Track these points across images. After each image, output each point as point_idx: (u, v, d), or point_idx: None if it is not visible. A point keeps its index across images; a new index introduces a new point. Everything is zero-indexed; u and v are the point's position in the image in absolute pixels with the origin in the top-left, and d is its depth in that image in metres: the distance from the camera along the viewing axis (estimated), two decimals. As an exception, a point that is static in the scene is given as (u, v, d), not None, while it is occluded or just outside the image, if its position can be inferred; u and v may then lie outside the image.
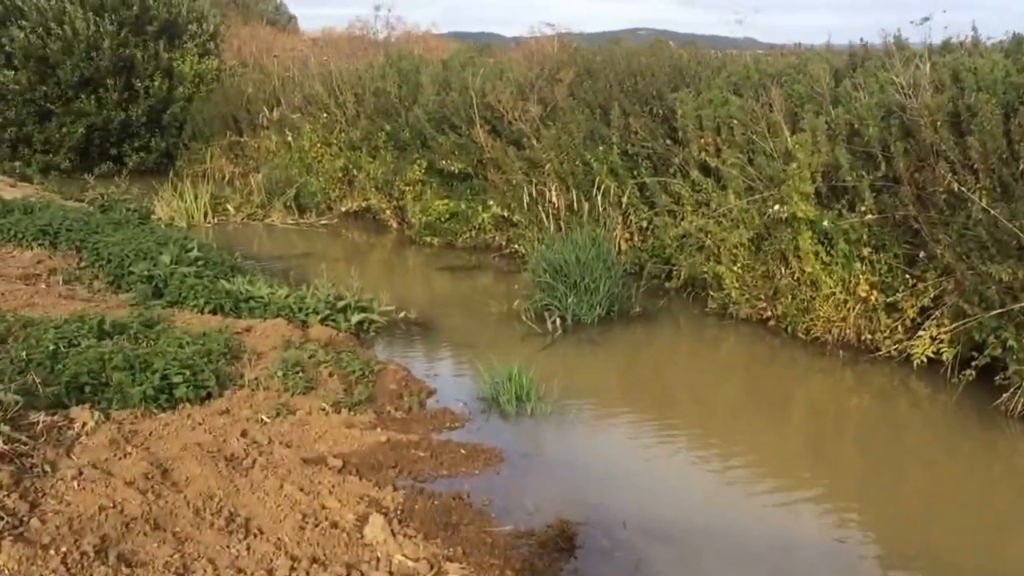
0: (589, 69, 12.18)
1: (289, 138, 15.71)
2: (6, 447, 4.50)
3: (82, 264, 9.33)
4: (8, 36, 17.47)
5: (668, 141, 10.09)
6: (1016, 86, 7.06)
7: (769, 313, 8.58)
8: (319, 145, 14.90)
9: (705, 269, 9.06)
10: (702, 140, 9.56)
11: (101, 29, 18.08)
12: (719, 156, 9.34)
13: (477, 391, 6.78)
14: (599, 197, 10.43)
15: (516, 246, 11.42)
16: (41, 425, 4.86)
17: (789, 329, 8.30)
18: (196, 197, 14.23)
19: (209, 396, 5.93)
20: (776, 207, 8.16)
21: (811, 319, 8.10)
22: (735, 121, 9.12)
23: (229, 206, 14.61)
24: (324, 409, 6.00)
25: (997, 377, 6.46)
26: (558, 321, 8.59)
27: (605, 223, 10.25)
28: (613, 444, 6.21)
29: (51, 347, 6.02)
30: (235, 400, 5.95)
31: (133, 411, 5.47)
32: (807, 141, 8.08)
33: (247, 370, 6.60)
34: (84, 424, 5.07)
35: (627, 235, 10.62)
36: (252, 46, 22.70)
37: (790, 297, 8.26)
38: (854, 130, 7.96)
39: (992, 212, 6.47)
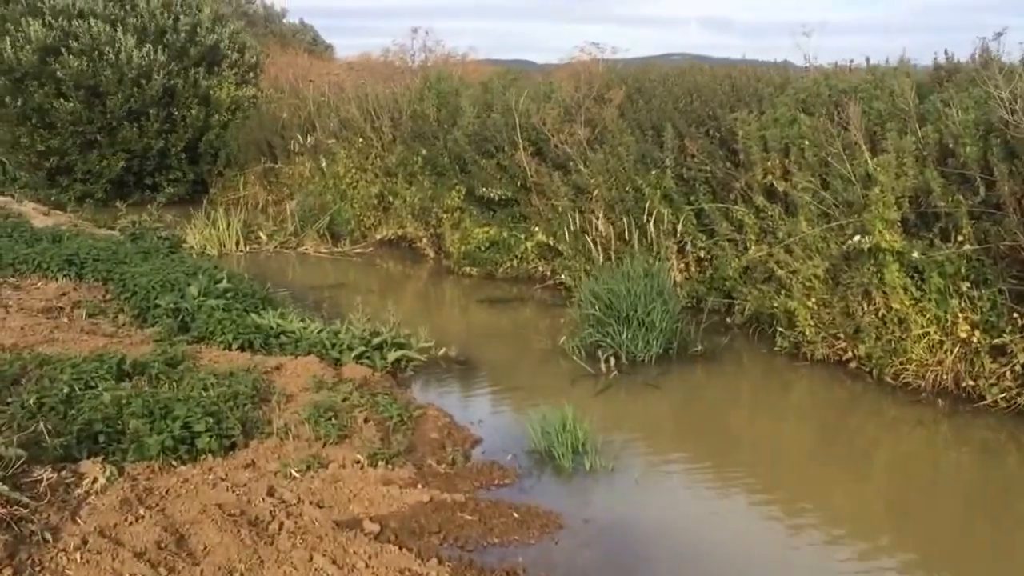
0: (640, 88, 11.51)
1: (323, 164, 15.16)
2: (3, 511, 3.85)
3: (108, 296, 8.80)
4: (60, 63, 17.08)
5: (728, 164, 9.35)
6: None
7: (850, 354, 7.76)
8: (354, 171, 14.32)
9: (775, 304, 8.27)
10: (768, 163, 8.83)
11: (151, 58, 17.70)
12: (787, 180, 8.61)
13: (528, 441, 6.03)
14: (651, 225, 9.68)
15: (561, 277, 10.70)
16: (45, 483, 4.23)
17: (874, 373, 7.48)
18: (228, 225, 13.67)
19: (234, 446, 5.25)
20: (857, 237, 7.39)
21: (901, 362, 7.28)
22: (806, 142, 8.39)
23: (261, 234, 14.05)
24: (359, 462, 5.29)
25: None
26: (612, 361, 7.83)
27: (658, 253, 9.51)
28: (684, 507, 5.39)
29: (65, 390, 5.41)
30: (262, 451, 5.26)
31: (150, 464, 4.81)
32: (891, 163, 7.33)
33: (276, 415, 5.91)
34: (94, 480, 4.42)
35: (682, 266, 9.86)
36: (289, 73, 22.28)
37: (875, 337, 7.45)
38: (946, 150, 7.21)
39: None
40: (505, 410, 7.06)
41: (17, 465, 4.22)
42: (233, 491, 4.58)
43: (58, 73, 17.06)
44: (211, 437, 5.08)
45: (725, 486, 5.73)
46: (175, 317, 7.97)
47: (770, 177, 8.78)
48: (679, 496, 5.53)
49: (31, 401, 5.18)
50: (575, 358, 7.94)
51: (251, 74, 20.33)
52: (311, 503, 4.61)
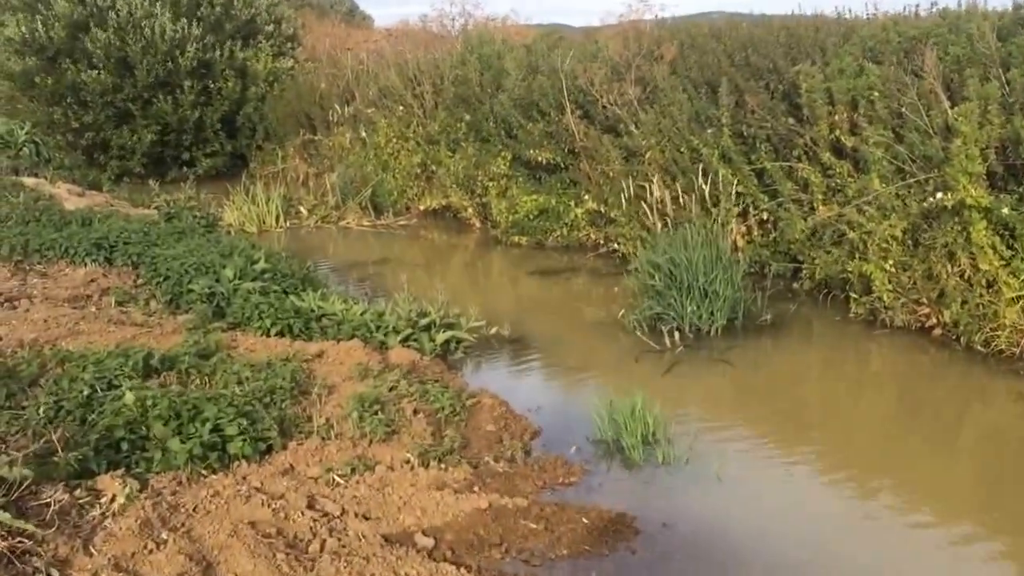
0: (692, 44, 10.87)
1: (363, 134, 14.72)
2: (3, 544, 3.46)
3: (139, 281, 8.38)
4: (91, 38, 16.81)
5: (790, 120, 8.72)
6: None
7: (934, 320, 7.18)
8: (395, 140, 13.85)
9: (848, 268, 7.69)
10: (834, 117, 8.20)
11: (185, 32, 17.36)
12: (856, 134, 7.98)
13: (592, 429, 5.57)
14: (708, 187, 9.07)
15: (615, 245, 10.18)
16: (56, 506, 3.81)
17: (962, 340, 6.90)
18: (268, 200, 13.30)
19: (270, 449, 4.85)
20: (939, 195, 6.77)
21: (992, 328, 6.69)
22: (875, 93, 7.75)
23: (302, 208, 13.66)
24: (409, 462, 4.87)
25: None
26: (676, 334, 7.32)
27: (716, 217, 8.92)
28: (774, 505, 4.85)
29: (86, 391, 5.02)
30: (301, 453, 4.85)
31: (176, 474, 4.40)
32: (973, 112, 6.69)
33: (317, 409, 5.51)
34: (112, 499, 4.02)
35: (743, 229, 9.28)
36: (326, 42, 21.85)
37: (961, 301, 6.85)
38: (1040, 96, 6.55)
39: None
40: (565, 394, 6.59)
41: (23, 488, 3.82)
42: (269, 505, 4.17)
43: (88, 46, 16.79)
44: (244, 441, 4.67)
45: (816, 476, 5.23)
46: (209, 302, 7.60)
47: (837, 132, 8.16)
48: (766, 491, 4.99)
49: (48, 405, 4.81)
50: (636, 332, 7.45)
51: (288, 45, 19.90)
52: (356, 515, 4.20)
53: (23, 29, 16.72)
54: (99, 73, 16.81)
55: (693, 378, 6.77)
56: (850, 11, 9.92)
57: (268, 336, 7.06)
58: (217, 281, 7.98)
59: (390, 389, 5.90)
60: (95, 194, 14.69)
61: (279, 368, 5.99)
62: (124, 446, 4.49)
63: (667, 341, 7.23)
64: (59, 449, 4.22)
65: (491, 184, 11.79)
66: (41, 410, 4.78)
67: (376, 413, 5.41)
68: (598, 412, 5.54)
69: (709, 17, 15.89)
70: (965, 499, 5.00)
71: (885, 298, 7.39)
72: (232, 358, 6.19)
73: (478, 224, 12.45)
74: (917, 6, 9.69)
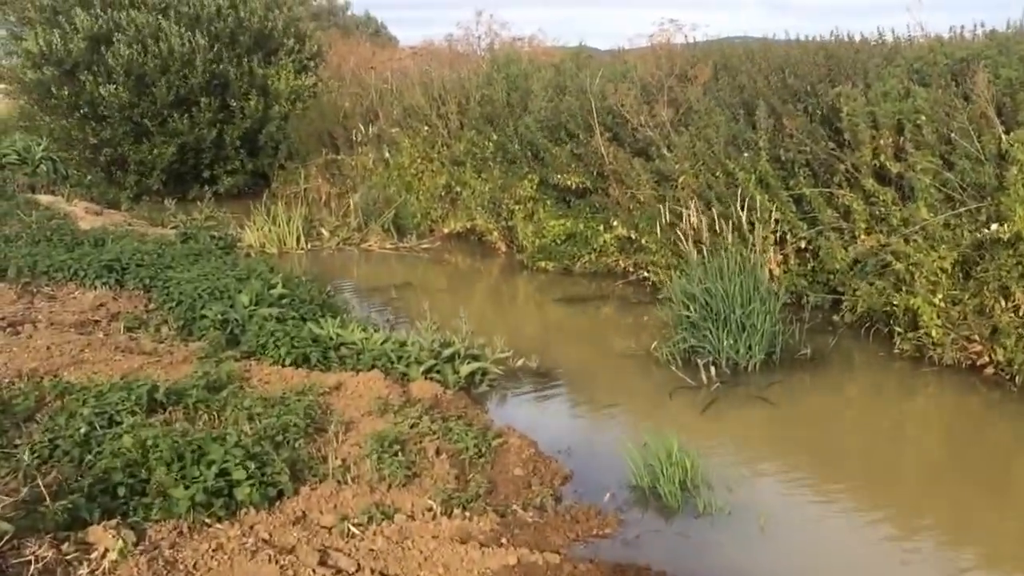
0: (725, 65, 10.54)
1: (387, 155, 14.46)
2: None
3: (150, 306, 8.08)
4: (112, 52, 16.68)
5: (831, 144, 8.36)
6: None
7: (986, 358, 6.79)
8: (419, 161, 13.59)
9: (893, 301, 7.31)
10: (878, 142, 7.84)
11: (193, 45, 17.17)
12: (901, 160, 7.62)
13: (626, 473, 5.21)
14: (743, 213, 8.69)
15: (645, 273, 9.82)
16: (39, 563, 3.48)
17: (1017, 380, 6.49)
18: (289, 221, 13.04)
19: (281, 495, 4.51)
20: (995, 226, 6.39)
21: (1049, 367, 6.30)
22: (923, 117, 7.39)
23: (323, 230, 13.39)
24: (431, 509, 4.53)
25: None
26: (712, 370, 6.96)
27: (754, 245, 8.55)
28: (826, 564, 4.50)
29: (83, 429, 4.71)
30: (315, 499, 4.52)
31: (178, 523, 4.07)
32: (1032, 136, 6.32)
33: (333, 449, 5.19)
34: (104, 553, 3.69)
35: (779, 258, 8.90)
36: (351, 61, 21.67)
37: (1015, 339, 6.46)
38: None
39: None
40: (596, 433, 6.22)
41: (5, 541, 3.49)
42: (276, 560, 3.83)
43: (109, 61, 16.64)
44: (253, 486, 4.34)
45: (865, 529, 4.84)
46: (223, 329, 7.31)
47: (881, 158, 7.80)
48: (812, 545, 4.63)
49: (42, 445, 4.51)
50: (671, 366, 7.09)
51: (311, 62, 19.70)
52: (373, 571, 3.86)
53: (41, 42, 16.59)
54: (117, 88, 16.64)
55: (732, 418, 6.39)
56: (892, 31, 9.52)
57: (284, 366, 6.75)
58: (232, 307, 7.70)
59: (411, 426, 5.58)
60: (113, 213, 14.49)
61: (293, 403, 5.68)
62: (121, 491, 4.17)
63: (703, 376, 6.87)
64: (48, 497, 3.89)
65: (517, 207, 11.49)
66: (34, 450, 4.47)
67: (396, 454, 5.09)
68: (632, 455, 5.19)
69: (731, 42, 15.49)
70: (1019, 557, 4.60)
71: (933, 334, 7.00)
72: (244, 391, 5.89)
73: (503, 248, 12.14)
74: (963, 27, 9.32)
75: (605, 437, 6.07)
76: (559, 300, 9.80)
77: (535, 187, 11.28)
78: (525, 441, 5.51)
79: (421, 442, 5.36)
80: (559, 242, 10.82)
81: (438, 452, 5.26)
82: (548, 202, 11.19)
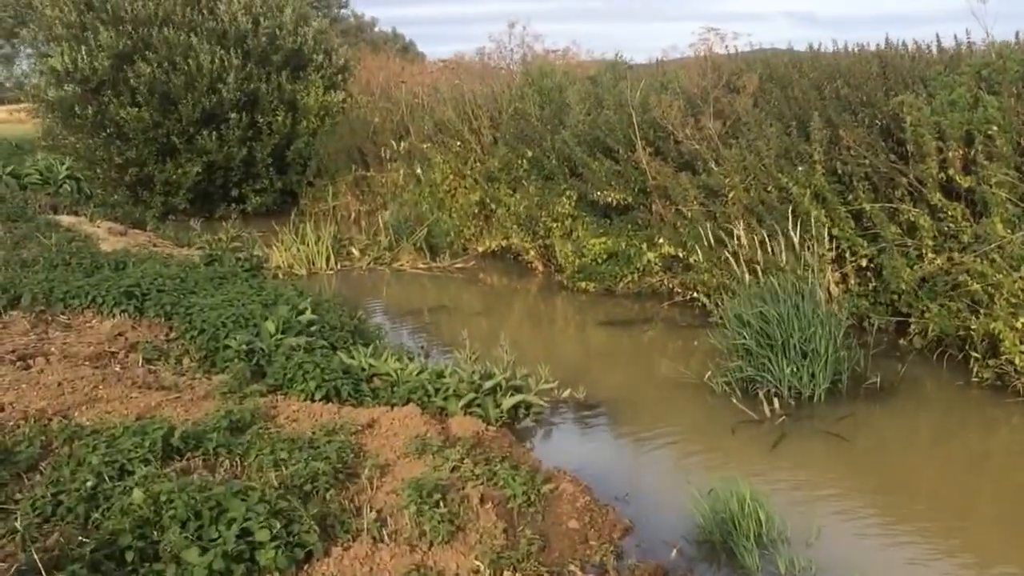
0: (772, 76, 10.01)
1: (418, 171, 14.03)
2: None
3: (171, 335, 7.61)
4: (134, 71, 16.38)
5: (892, 157, 7.81)
6: None
7: (1077, 389, 6.21)
8: (452, 177, 13.14)
9: (971, 324, 6.74)
10: (946, 154, 7.28)
11: (226, 63, 16.86)
12: (971, 173, 7.06)
13: (692, 524, 4.69)
14: (798, 230, 8.11)
15: (693, 293, 9.27)
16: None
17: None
18: (318, 240, 12.62)
19: (309, 557, 4.02)
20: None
21: None
22: (995, 127, 6.84)
23: (354, 249, 12.96)
24: (479, 572, 4.03)
25: None
26: (776, 402, 6.41)
27: (808, 264, 7.99)
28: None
29: (91, 481, 4.25)
30: (347, 562, 4.03)
31: (195, 595, 3.58)
32: None
33: (367, 498, 4.70)
34: (110, 635, 3.21)
35: (838, 277, 8.33)
36: (380, 76, 21.32)
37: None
38: None
39: None
40: (655, 476, 5.67)
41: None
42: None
43: (132, 81, 16.35)
44: (278, 549, 3.84)
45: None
46: (248, 360, 6.85)
47: (950, 171, 7.25)
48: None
49: (45, 500, 4.05)
50: (730, 397, 6.56)
51: (340, 77, 19.35)
52: (417, 653, 3.35)
53: (67, 59, 16.30)
54: (140, 110, 16.33)
55: (802, 456, 5.85)
56: (955, 37, 8.93)
57: (313, 401, 6.28)
58: (257, 335, 7.25)
59: (452, 470, 5.08)
60: (138, 233, 14.11)
61: (323, 445, 5.19)
62: (130, 556, 3.70)
63: (765, 409, 6.34)
64: (43, 571, 3.41)
65: (555, 225, 10.99)
66: (35, 507, 4.02)
67: (437, 504, 4.58)
68: (698, 503, 4.66)
69: (764, 52, 14.93)
70: None
71: (1017, 361, 6.44)
72: (269, 432, 5.40)
73: (541, 268, 11.63)
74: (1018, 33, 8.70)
75: (665, 480, 5.54)
76: (602, 323, 9.29)
77: (573, 204, 10.79)
78: (579, 487, 4.99)
79: (464, 488, 4.85)
80: (600, 261, 10.31)
81: (483, 500, 4.75)
82: (587, 219, 10.69)
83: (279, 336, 7.25)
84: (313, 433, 5.44)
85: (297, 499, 4.34)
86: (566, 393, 6.69)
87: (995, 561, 4.60)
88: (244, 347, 6.95)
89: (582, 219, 10.72)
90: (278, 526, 3.95)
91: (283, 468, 4.78)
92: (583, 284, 10.39)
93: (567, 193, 10.85)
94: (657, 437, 6.21)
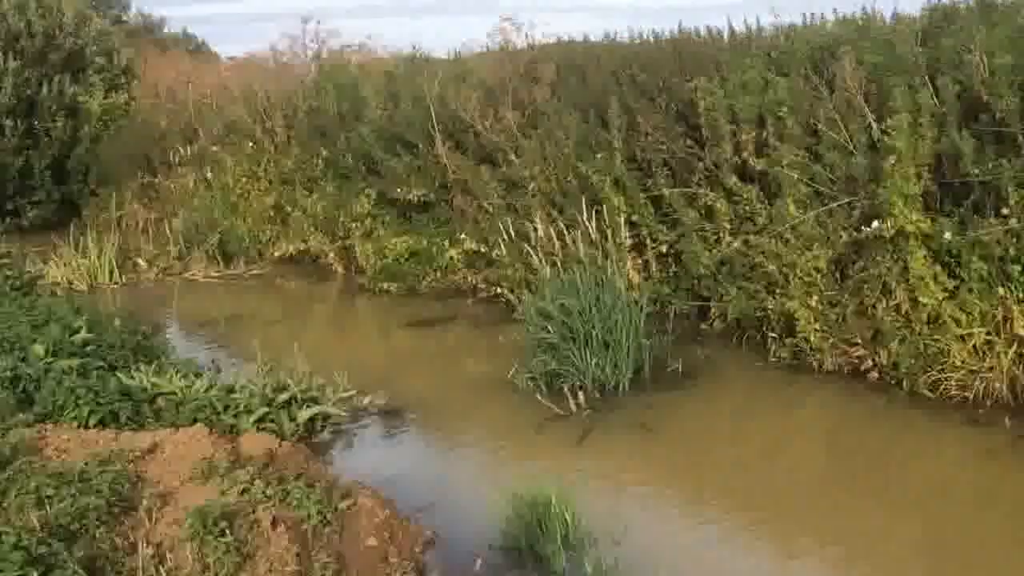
0: (570, 65, 9.97)
1: (209, 174, 13.23)
2: None
3: (-75, 363, 6.72)
4: None
5: (689, 141, 7.87)
6: None
7: (869, 362, 6.37)
8: (244, 180, 12.43)
9: (768, 305, 6.84)
10: (739, 137, 7.38)
11: (1, 66, 15.44)
12: (764, 155, 7.18)
13: (496, 528, 4.44)
14: (594, 220, 8.04)
15: (497, 289, 9.04)
16: None
17: (904, 384, 6.09)
18: (100, 252, 11.66)
19: (69, 611, 3.49)
20: (876, 223, 5.97)
21: (939, 369, 5.91)
22: (785, 108, 6.97)
23: (140, 260, 12.06)
24: (265, 609, 3.62)
25: None
26: (580, 395, 6.28)
27: (607, 252, 7.94)
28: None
29: None
30: (113, 613, 3.53)
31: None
32: (905, 125, 5.93)
33: (144, 532, 4.18)
34: None
35: (640, 264, 8.34)
36: (170, 75, 20.13)
37: (900, 340, 6.06)
38: (977, 104, 5.83)
39: None
40: (460, 482, 5.36)
41: None
42: None
43: None
44: (30, 611, 3.31)
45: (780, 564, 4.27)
46: (12, 389, 6.10)
47: (744, 153, 7.35)
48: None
49: None
50: (535, 394, 6.37)
51: (122, 79, 18.13)
52: None
53: None
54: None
55: (609, 450, 5.71)
56: (745, 21, 9.11)
57: (87, 427, 5.63)
58: (24, 360, 6.50)
59: (242, 492, 4.61)
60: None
61: (95, 477, 4.60)
62: None
63: (571, 404, 6.18)
64: None
65: (354, 225, 10.58)
66: None
67: (223, 533, 4.12)
68: (504, 508, 4.42)
69: (563, 43, 14.97)
70: (906, 568, 4.35)
71: (812, 339, 6.58)
72: (33, 467, 4.77)
73: (341, 270, 11.16)
74: (818, 15, 8.97)
75: (471, 485, 5.25)
76: (405, 324, 8.94)
77: (373, 202, 10.40)
78: (378, 500, 4.63)
79: (254, 512, 4.39)
80: (402, 260, 9.98)
81: (275, 524, 4.32)
82: (388, 218, 10.33)
83: (49, 359, 6.53)
84: (85, 464, 4.85)
85: (61, 541, 3.79)
86: (367, 400, 6.33)
87: (800, 542, 4.60)
88: (8, 374, 6.20)
89: (382, 218, 10.35)
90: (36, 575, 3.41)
91: (47, 507, 4.20)
92: (385, 285, 10.01)
93: (366, 192, 10.46)
94: (463, 440, 5.97)
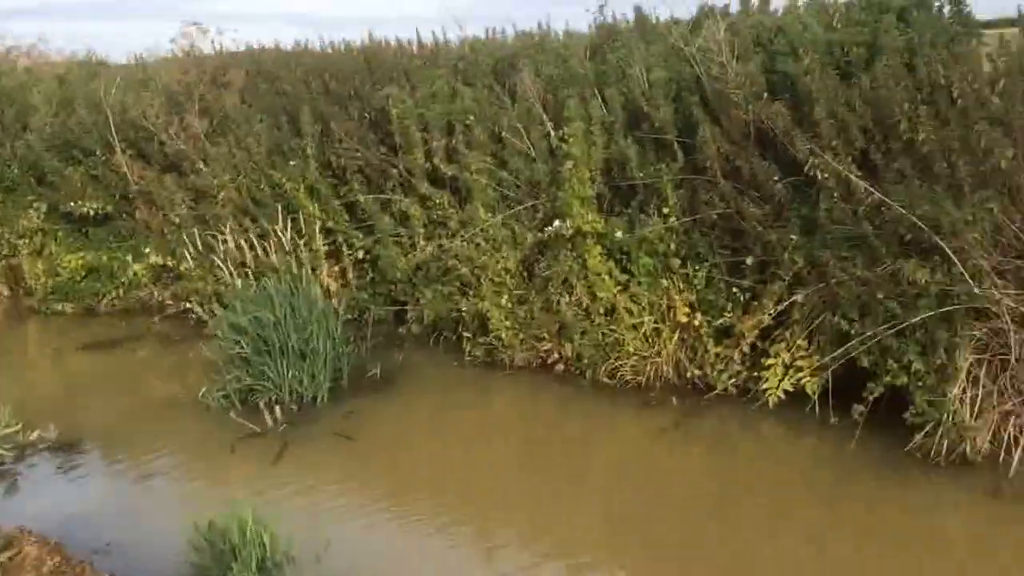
0: (259, 71, 9.68)
1: None
2: None
3: None
4: None
5: (383, 149, 7.91)
6: (837, 43, 5.64)
7: (556, 355, 6.67)
8: None
9: (461, 306, 6.98)
10: (430, 144, 7.49)
11: None
12: (454, 162, 7.35)
13: (190, 557, 4.18)
14: (289, 228, 7.87)
15: (186, 304, 8.56)
16: None
17: (587, 374, 6.43)
18: None
19: None
20: (557, 223, 6.26)
21: (616, 357, 6.29)
22: (472, 117, 7.17)
23: None
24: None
25: (909, 415, 4.87)
26: (277, 410, 6.09)
27: (302, 261, 7.79)
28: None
29: None
30: None
31: None
32: (579, 132, 6.27)
33: None
34: None
35: (335, 272, 8.25)
36: None
37: (581, 332, 6.39)
38: (639, 114, 6.27)
39: (883, 198, 4.90)
40: (149, 514, 4.97)
41: None
42: None
43: None
44: None
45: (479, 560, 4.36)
46: None
47: (435, 160, 7.47)
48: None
49: None
50: (232, 413, 6.11)
51: None
52: None
53: None
54: None
55: (309, 464, 5.55)
56: (433, 33, 9.31)
57: None
58: None
59: None
60: None
61: None
62: None
63: (267, 419, 5.98)
64: None
65: (21, 242, 9.65)
66: None
67: None
68: (194, 538, 4.17)
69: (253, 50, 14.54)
70: (595, 539, 4.64)
71: (503, 336, 6.78)
72: None
73: (6, 292, 10.11)
74: (499, 30, 9.31)
75: (158, 517, 4.87)
76: (83, 347, 8.23)
77: (43, 216, 9.54)
78: (46, 547, 4.22)
79: None
80: (78, 279, 9.24)
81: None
82: (61, 233, 9.53)
83: None
84: None
85: None
86: (34, 435, 5.77)
87: (502, 532, 4.72)
88: None
89: (55, 234, 9.54)
90: None
91: None
92: (59, 306, 9.20)
93: (35, 205, 9.57)
94: (150, 469, 5.57)
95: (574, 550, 4.53)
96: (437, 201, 7.43)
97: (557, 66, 7.03)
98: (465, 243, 7.01)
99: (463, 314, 7.04)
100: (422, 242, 7.57)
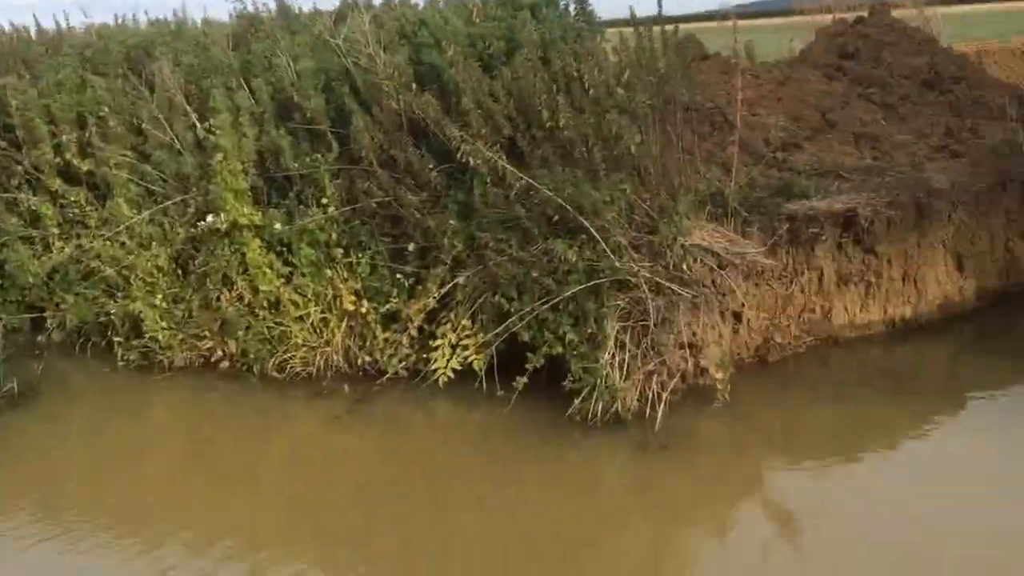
0: None
1: None
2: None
3: None
4: None
5: (4, 143, 7.26)
6: (479, 36, 6.01)
7: (220, 353, 6.50)
8: None
9: (112, 310, 6.60)
10: (63, 137, 6.99)
11: None
12: (90, 156, 6.93)
13: None
14: None
15: None
16: None
17: (255, 369, 6.34)
18: None
19: None
20: (210, 218, 6.11)
21: (284, 350, 6.26)
22: (106, 108, 6.80)
23: None
24: None
25: (568, 382, 5.29)
26: None
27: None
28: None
29: None
30: None
31: None
32: (227, 124, 6.17)
33: None
34: None
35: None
36: None
37: (245, 328, 6.30)
38: (289, 104, 6.26)
39: (531, 182, 5.29)
40: None
41: None
42: None
43: None
44: None
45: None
46: None
47: (67, 155, 6.99)
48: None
49: None
50: None
51: None
52: None
53: None
54: None
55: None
56: (54, 18, 8.64)
57: None
58: None
59: None
60: None
61: None
62: None
63: None
64: None
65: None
66: None
67: None
68: None
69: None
70: (271, 534, 4.63)
71: (160, 337, 6.51)
72: None
73: None
74: (130, 16, 8.83)
75: None
76: None
77: None
78: None
79: None
80: None
81: None
82: None
83: None
84: None
85: None
86: None
87: (170, 544, 4.53)
88: None
89: None
90: None
91: None
92: None
93: None
94: None
95: (251, 549, 4.47)
96: (73, 199, 6.98)
97: (198, 55, 6.84)
98: (108, 242, 6.65)
99: (112, 317, 6.68)
100: (58, 243, 7.07)
